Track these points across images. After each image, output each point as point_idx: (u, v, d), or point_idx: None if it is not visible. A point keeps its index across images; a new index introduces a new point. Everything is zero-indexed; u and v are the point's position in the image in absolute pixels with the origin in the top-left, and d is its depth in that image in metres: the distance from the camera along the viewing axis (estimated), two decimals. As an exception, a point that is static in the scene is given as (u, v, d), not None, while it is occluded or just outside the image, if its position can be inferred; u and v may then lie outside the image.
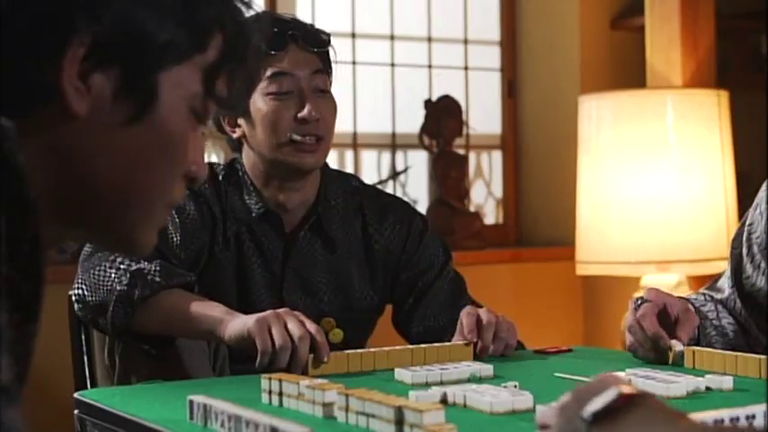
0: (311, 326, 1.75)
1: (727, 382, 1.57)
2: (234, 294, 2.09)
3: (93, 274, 1.94)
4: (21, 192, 0.87)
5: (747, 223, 1.94)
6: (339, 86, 2.17)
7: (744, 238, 1.93)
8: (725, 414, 1.24)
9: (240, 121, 2.10)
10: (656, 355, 1.77)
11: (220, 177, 2.14)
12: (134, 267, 1.91)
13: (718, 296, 1.95)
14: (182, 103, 1.00)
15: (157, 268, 1.92)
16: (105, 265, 1.94)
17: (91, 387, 2.06)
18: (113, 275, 1.92)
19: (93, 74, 0.95)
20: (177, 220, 2.05)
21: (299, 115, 2.04)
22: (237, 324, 1.78)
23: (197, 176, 1.04)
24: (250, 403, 1.38)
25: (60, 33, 0.93)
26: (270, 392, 1.49)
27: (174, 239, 2.04)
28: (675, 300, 1.82)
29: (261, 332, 1.72)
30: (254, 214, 2.11)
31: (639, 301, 1.81)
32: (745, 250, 1.93)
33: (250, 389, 1.56)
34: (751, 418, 1.25)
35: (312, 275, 2.14)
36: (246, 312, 2.01)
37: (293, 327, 1.72)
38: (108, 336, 1.97)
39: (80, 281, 1.96)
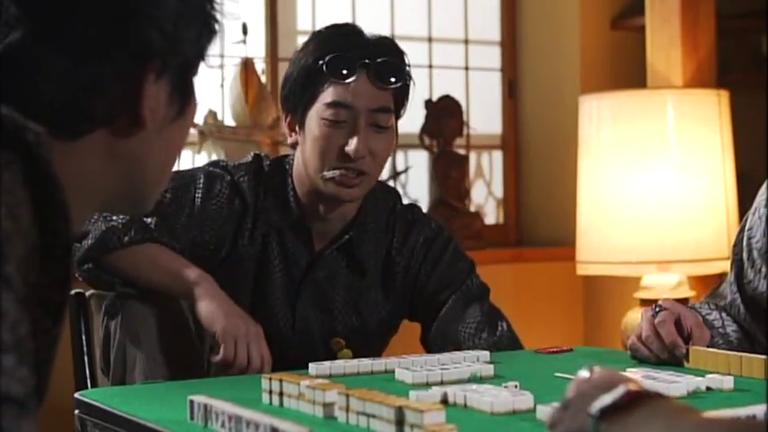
0: (267, 356, 1.89)
1: (727, 382, 1.57)
2: (250, 293, 2.08)
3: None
4: (54, 199, 0.89)
5: (747, 228, 1.94)
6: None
7: (744, 243, 1.94)
8: (725, 414, 1.24)
9: (296, 127, 2.04)
10: (669, 359, 1.77)
11: (266, 170, 2.10)
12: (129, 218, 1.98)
13: (722, 303, 1.96)
14: None
15: (157, 223, 2.00)
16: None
17: (91, 387, 2.06)
18: (115, 221, 1.98)
19: (155, 86, 1.02)
20: (199, 201, 2.05)
21: (346, 149, 1.97)
22: (208, 313, 1.89)
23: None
24: (250, 403, 1.38)
25: (142, 56, 1.00)
26: (270, 392, 1.49)
27: (181, 219, 2.05)
28: (689, 312, 1.83)
29: (227, 344, 1.86)
30: (286, 221, 2.07)
31: (657, 309, 1.81)
32: (745, 255, 1.94)
33: (250, 389, 1.56)
34: (751, 418, 1.25)
35: (330, 293, 2.10)
36: (263, 314, 2.04)
37: (255, 354, 1.87)
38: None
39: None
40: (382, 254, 2.14)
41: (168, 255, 1.98)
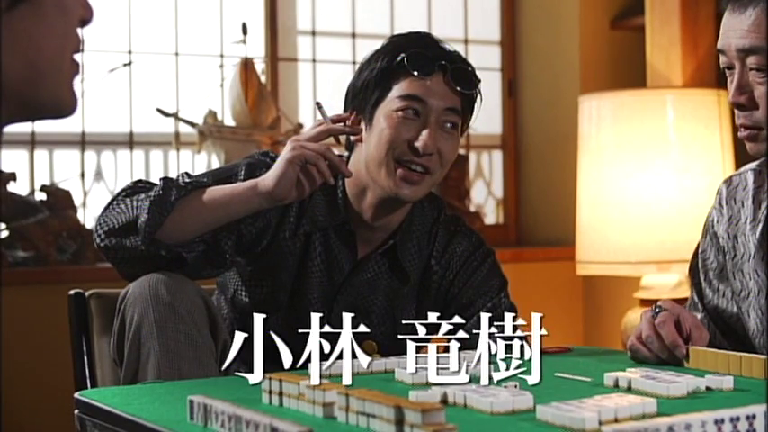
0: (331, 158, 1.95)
1: (727, 382, 1.57)
2: (289, 289, 2.08)
3: (118, 206, 1.97)
4: None
5: (700, 251, 2.03)
6: (339, 86, 2.15)
7: (699, 267, 2.02)
8: (725, 414, 1.24)
9: (363, 125, 2.05)
10: (669, 359, 1.78)
11: None
12: (161, 183, 1.96)
13: None
14: None
15: (185, 175, 1.98)
16: (127, 200, 1.97)
17: (91, 387, 2.06)
18: (142, 197, 1.95)
19: None
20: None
21: (416, 144, 2.00)
22: (272, 171, 1.92)
23: (87, 17, 1.08)
24: (250, 403, 1.38)
25: None
26: (270, 392, 1.49)
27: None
28: (688, 314, 1.84)
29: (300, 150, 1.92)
30: (331, 222, 2.08)
31: (657, 309, 1.82)
32: (702, 276, 2.02)
33: (250, 389, 1.56)
34: (751, 417, 1.25)
35: (369, 296, 2.11)
36: (298, 311, 2.05)
37: (315, 147, 1.93)
38: (137, 249, 1.94)
39: (104, 219, 1.97)
40: (423, 263, 2.15)
41: (212, 188, 1.97)
